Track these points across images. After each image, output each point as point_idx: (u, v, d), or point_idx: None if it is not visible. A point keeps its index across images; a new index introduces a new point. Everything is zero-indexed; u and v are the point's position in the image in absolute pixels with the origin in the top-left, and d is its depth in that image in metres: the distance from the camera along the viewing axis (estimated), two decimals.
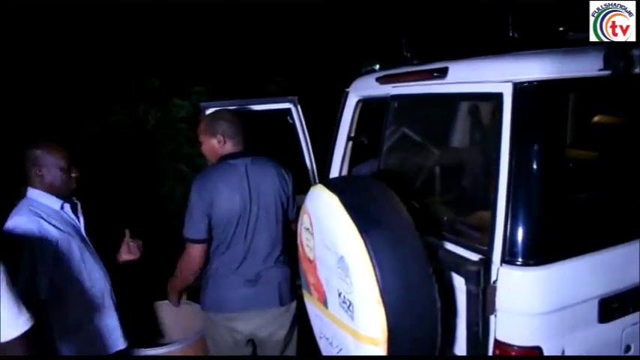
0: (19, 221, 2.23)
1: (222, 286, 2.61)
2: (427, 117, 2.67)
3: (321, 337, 2.43)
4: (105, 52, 5.14)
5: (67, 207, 2.45)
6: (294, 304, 2.73)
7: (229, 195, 2.51)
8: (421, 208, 2.38)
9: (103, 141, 4.39)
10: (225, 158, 2.62)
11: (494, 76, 2.03)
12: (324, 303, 2.23)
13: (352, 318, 1.95)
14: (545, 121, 1.93)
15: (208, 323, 2.70)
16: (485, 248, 1.95)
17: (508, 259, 1.87)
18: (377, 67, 3.05)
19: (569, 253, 1.88)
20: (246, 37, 5.97)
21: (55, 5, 4.98)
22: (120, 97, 4.57)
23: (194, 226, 2.52)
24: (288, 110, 3.52)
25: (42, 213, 2.30)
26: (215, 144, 2.65)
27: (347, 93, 3.25)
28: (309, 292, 2.44)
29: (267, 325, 2.67)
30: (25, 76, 4.99)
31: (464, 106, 2.59)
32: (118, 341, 2.52)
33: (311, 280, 2.37)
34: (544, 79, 1.90)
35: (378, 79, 2.83)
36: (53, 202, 2.39)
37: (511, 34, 2.29)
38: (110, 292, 2.51)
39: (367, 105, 3.29)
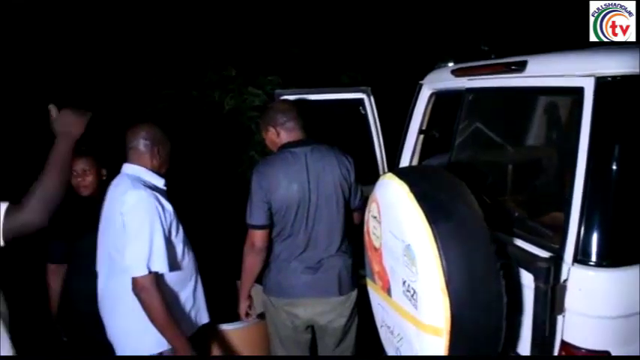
0: (141, 195, 2.28)
1: (284, 272, 2.67)
2: (502, 112, 2.63)
3: (382, 326, 2.45)
4: (184, 39, 5.31)
5: (165, 185, 2.52)
6: (354, 294, 2.74)
7: (287, 184, 2.55)
8: (492, 204, 2.34)
9: (178, 126, 4.55)
10: (285, 147, 2.66)
11: (576, 69, 1.97)
12: (388, 291, 2.24)
13: (415, 307, 1.95)
14: (628, 117, 1.86)
15: (269, 307, 2.76)
16: (557, 246, 1.91)
17: (581, 258, 1.82)
18: (451, 64, 3.02)
19: None
20: (321, 29, 6.01)
21: None
22: (197, 84, 4.73)
23: (254, 213, 2.59)
24: (361, 100, 3.54)
25: (151, 188, 2.37)
26: (271, 135, 2.72)
27: (421, 85, 3.23)
28: (373, 281, 2.45)
29: (326, 312, 2.70)
30: (106, 61, 5.24)
31: (541, 101, 2.52)
32: (204, 315, 2.62)
33: (376, 268, 2.38)
34: (629, 73, 1.83)
35: (453, 72, 2.80)
36: (158, 181, 2.46)
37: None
38: (197, 268, 2.59)
39: (440, 98, 3.26)
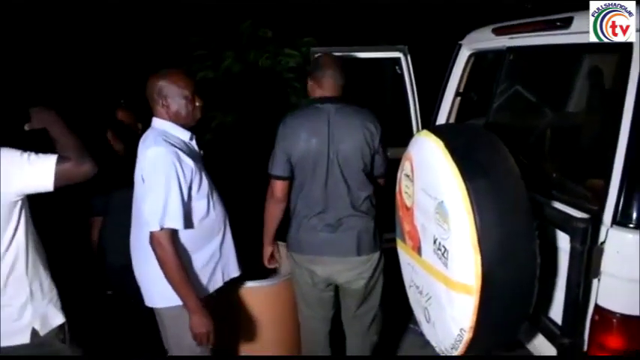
0: (159, 152, 2.25)
1: (304, 228, 2.69)
2: (544, 72, 2.54)
3: (410, 286, 2.44)
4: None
5: (194, 138, 2.50)
6: (376, 255, 2.72)
7: (307, 137, 2.55)
8: (529, 165, 2.28)
9: (214, 86, 4.56)
10: (314, 102, 2.66)
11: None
12: (418, 250, 2.22)
13: (446, 265, 1.93)
14: None
15: (292, 263, 2.80)
16: (596, 208, 1.85)
17: (620, 220, 1.76)
18: None
19: None
20: None
21: None
22: (232, 45, 4.71)
23: (276, 164, 2.62)
24: (398, 60, 3.47)
25: (175, 144, 2.33)
26: (310, 86, 2.72)
27: (460, 46, 3.14)
28: (403, 241, 2.44)
29: (345, 272, 2.70)
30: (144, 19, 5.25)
31: (586, 60, 2.43)
32: (233, 269, 2.63)
33: (406, 227, 2.36)
34: None
35: (494, 30, 2.71)
36: (182, 134, 2.42)
37: None
38: (228, 222, 2.59)
39: (480, 60, 3.17)
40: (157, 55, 4.89)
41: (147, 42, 5.36)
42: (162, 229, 2.23)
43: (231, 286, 2.75)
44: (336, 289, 2.83)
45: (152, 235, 2.24)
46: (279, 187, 2.66)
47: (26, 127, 2.02)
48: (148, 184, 2.26)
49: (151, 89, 2.39)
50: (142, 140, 2.40)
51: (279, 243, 2.96)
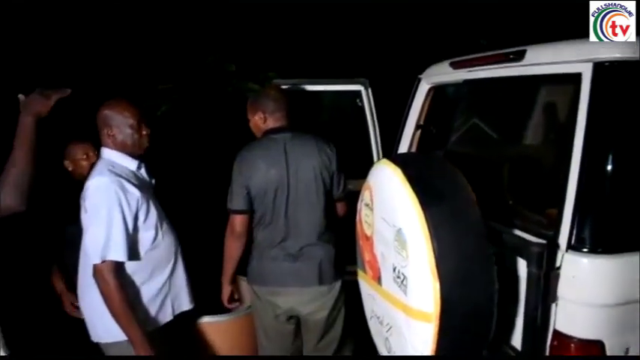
0: (102, 182, 2.24)
1: (265, 260, 2.66)
2: (500, 103, 2.60)
3: (371, 317, 2.41)
4: (186, 35, 5.31)
5: (143, 167, 2.49)
6: (337, 285, 2.70)
7: (265, 168, 2.56)
8: (487, 194, 2.31)
9: (176, 118, 4.54)
10: (267, 133, 2.67)
11: (574, 56, 1.94)
12: (378, 280, 2.20)
13: (405, 293, 1.91)
14: (625, 103, 1.83)
15: (253, 296, 2.75)
16: (551, 233, 1.87)
17: (575, 244, 1.78)
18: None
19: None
20: (321, 25, 5.99)
21: None
22: (197, 79, 4.72)
23: (234, 198, 2.61)
24: (359, 92, 3.52)
25: (121, 174, 2.31)
26: (257, 120, 2.72)
27: (419, 79, 3.20)
28: (364, 271, 2.42)
29: (307, 303, 2.67)
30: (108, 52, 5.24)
31: (539, 91, 2.50)
32: (184, 302, 2.56)
33: (367, 257, 2.35)
34: (627, 59, 1.81)
35: (452, 64, 2.77)
36: (129, 163, 2.41)
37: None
38: (180, 253, 2.54)
39: (439, 94, 3.23)
40: (120, 87, 4.86)
41: (111, 74, 5.32)
42: (104, 261, 2.17)
43: (188, 321, 2.67)
44: (298, 321, 2.78)
45: (95, 267, 2.19)
46: (238, 222, 2.63)
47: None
48: (89, 215, 2.23)
49: (98, 119, 2.39)
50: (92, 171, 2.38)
51: (240, 277, 2.90)
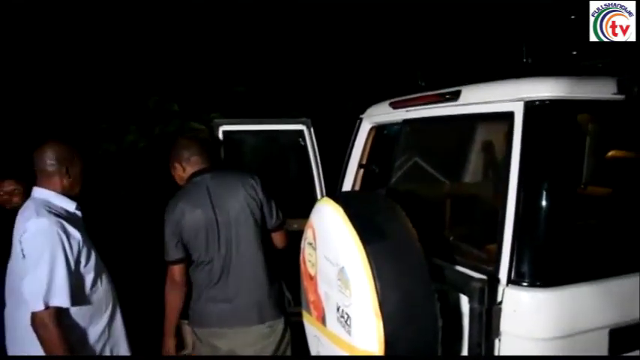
0: (42, 224, 2.13)
1: (204, 301, 2.61)
2: (438, 141, 2.66)
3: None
4: (125, 73, 5.24)
5: (78, 208, 2.39)
6: (280, 326, 2.65)
7: (190, 210, 2.55)
8: (428, 231, 2.33)
9: (118, 159, 4.43)
10: (189, 179, 2.68)
11: (506, 95, 2.02)
12: (323, 320, 2.16)
13: (349, 333, 1.87)
14: (556, 139, 1.90)
15: (194, 338, 2.68)
16: (491, 268, 1.89)
17: (515, 279, 1.81)
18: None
19: (578, 278, 1.82)
20: (265, 67, 6.06)
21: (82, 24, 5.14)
22: (137, 118, 4.64)
23: (169, 248, 2.58)
24: (301, 132, 3.54)
25: (59, 214, 2.22)
26: (178, 171, 2.74)
27: (361, 119, 3.25)
28: (309, 312, 2.37)
29: (249, 344, 2.60)
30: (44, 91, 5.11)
31: (475, 129, 2.58)
32: (122, 349, 2.47)
33: (311, 297, 2.30)
34: (556, 98, 1.89)
35: (391, 104, 2.83)
36: (68, 204, 2.32)
37: (525, 60, 2.28)
38: (115, 296, 2.46)
39: (380, 133, 3.28)
40: (59, 125, 4.74)
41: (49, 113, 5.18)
42: (47, 307, 2.05)
43: None
44: None
45: (35, 315, 2.06)
46: (177, 271, 2.60)
47: None
48: (29, 259, 2.10)
49: (48, 156, 2.29)
50: (20, 211, 2.26)
51: (181, 321, 2.80)
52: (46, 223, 2.13)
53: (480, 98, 2.19)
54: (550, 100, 1.89)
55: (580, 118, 1.98)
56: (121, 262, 2.74)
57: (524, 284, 1.79)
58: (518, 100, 1.94)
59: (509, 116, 1.96)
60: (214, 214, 2.55)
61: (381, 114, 3.07)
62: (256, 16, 5.92)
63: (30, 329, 2.07)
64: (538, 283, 1.78)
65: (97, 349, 2.30)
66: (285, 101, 5.39)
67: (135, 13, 5.34)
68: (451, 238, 2.36)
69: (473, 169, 2.69)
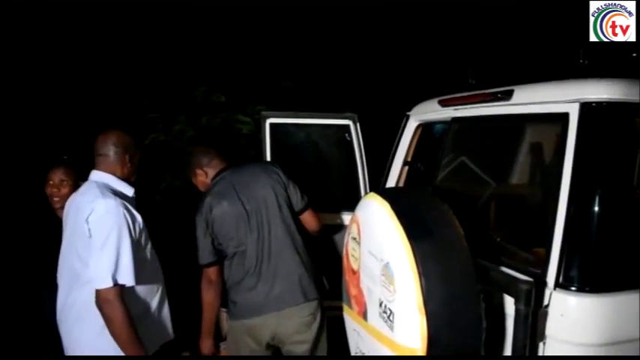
0: (110, 204, 2.19)
1: (241, 291, 2.63)
2: (487, 141, 2.62)
3: (356, 353, 2.36)
4: (177, 65, 5.34)
5: (135, 195, 2.44)
6: (316, 306, 2.64)
7: (218, 203, 2.60)
8: (474, 231, 2.30)
9: (166, 149, 4.52)
10: (212, 180, 2.73)
11: (561, 96, 1.98)
12: (364, 315, 2.17)
13: (391, 328, 1.88)
14: (611, 142, 1.86)
15: (232, 331, 2.71)
16: (539, 271, 1.86)
17: (563, 283, 1.78)
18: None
19: (628, 285, 1.77)
20: (313, 62, 6.08)
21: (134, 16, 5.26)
22: (185, 109, 4.73)
23: (203, 252, 2.64)
24: (347, 127, 3.54)
25: (121, 197, 2.29)
26: (200, 177, 2.80)
27: (408, 116, 3.23)
28: (349, 306, 2.38)
29: (290, 327, 2.61)
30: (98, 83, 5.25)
31: (526, 130, 2.52)
32: (168, 332, 2.52)
33: (352, 292, 2.32)
34: (613, 100, 1.84)
35: (440, 102, 2.81)
36: (127, 190, 2.39)
37: (582, 61, 2.23)
38: (163, 281, 2.51)
39: (427, 131, 3.26)
40: (109, 115, 4.87)
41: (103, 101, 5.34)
42: (115, 285, 2.12)
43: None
44: (278, 351, 2.72)
45: (99, 293, 2.12)
46: (212, 272, 2.66)
47: None
48: (97, 239, 2.16)
49: (113, 142, 2.37)
50: (79, 194, 2.34)
51: (221, 309, 2.86)
52: (113, 204, 2.19)
53: (533, 98, 2.15)
54: (607, 102, 1.85)
55: (637, 122, 1.93)
56: (165, 251, 2.78)
57: (573, 289, 1.76)
58: (574, 101, 1.90)
59: (563, 117, 1.93)
60: (242, 203, 2.59)
61: (429, 112, 3.05)
62: (307, 13, 5.96)
63: (88, 307, 2.14)
64: (587, 289, 1.75)
65: (151, 327, 2.37)
66: (330, 99, 5.39)
67: (188, 6, 5.44)
68: (497, 240, 2.32)
69: (522, 170, 2.64)
